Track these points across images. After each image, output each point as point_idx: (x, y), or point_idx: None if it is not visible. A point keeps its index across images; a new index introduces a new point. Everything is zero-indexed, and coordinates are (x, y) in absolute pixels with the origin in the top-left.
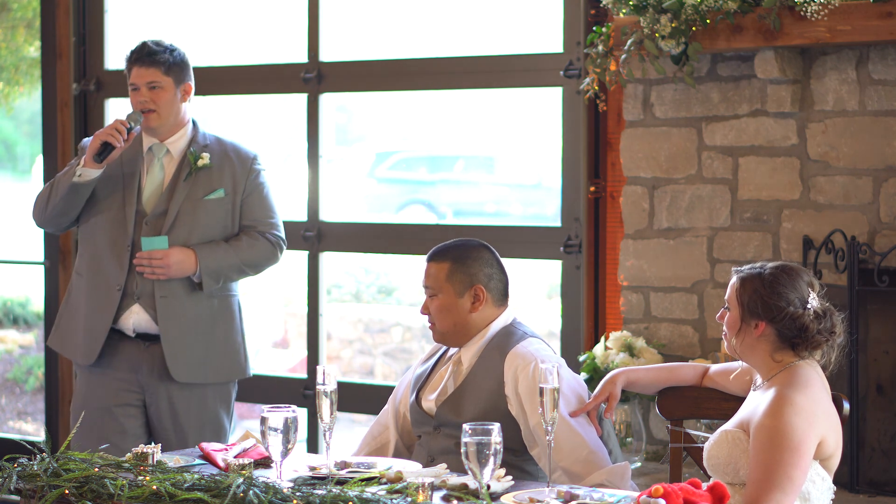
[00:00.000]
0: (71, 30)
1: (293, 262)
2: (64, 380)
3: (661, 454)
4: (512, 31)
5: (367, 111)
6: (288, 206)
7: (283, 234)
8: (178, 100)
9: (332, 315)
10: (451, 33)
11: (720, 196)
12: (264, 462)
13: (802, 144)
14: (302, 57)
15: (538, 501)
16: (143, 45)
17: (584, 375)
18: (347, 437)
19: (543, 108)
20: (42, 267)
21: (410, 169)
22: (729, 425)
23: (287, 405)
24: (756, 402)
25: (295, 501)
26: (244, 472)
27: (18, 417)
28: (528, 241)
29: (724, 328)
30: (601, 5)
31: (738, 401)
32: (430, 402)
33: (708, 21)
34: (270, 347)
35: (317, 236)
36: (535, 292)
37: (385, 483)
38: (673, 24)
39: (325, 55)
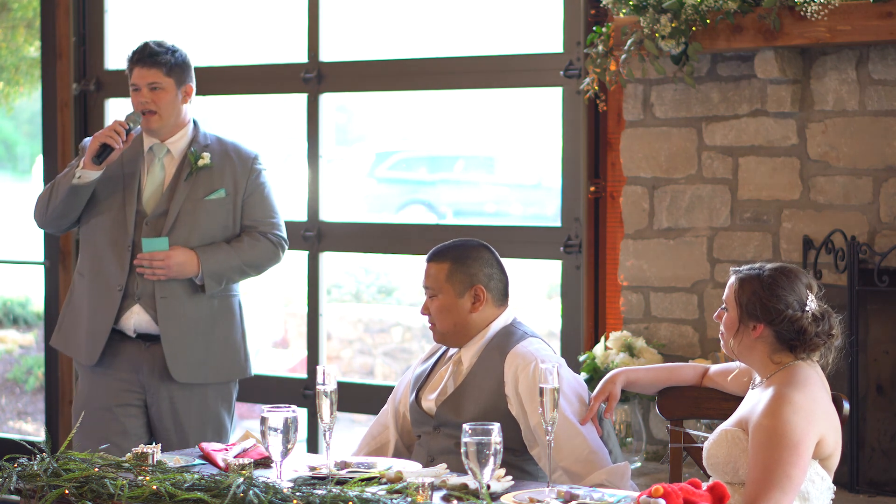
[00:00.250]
0: (71, 30)
1: (293, 262)
2: (64, 380)
3: (661, 454)
4: (512, 31)
5: (367, 111)
6: (288, 206)
7: (284, 234)
8: (179, 101)
9: (332, 315)
10: (451, 33)
11: (720, 196)
12: (264, 462)
13: (802, 144)
14: (302, 57)
15: (538, 501)
16: (145, 45)
17: (584, 375)
18: (347, 437)
19: (543, 108)
20: (42, 267)
21: (410, 169)
22: (727, 424)
23: (287, 405)
24: (755, 401)
25: (295, 501)
26: (244, 472)
27: (18, 417)
28: (528, 241)
29: (722, 328)
30: (601, 5)
31: (738, 401)
32: (430, 401)
33: (708, 21)
34: (270, 347)
35: (317, 236)
36: (535, 292)
37: (385, 483)
38: (673, 24)
39: (325, 55)
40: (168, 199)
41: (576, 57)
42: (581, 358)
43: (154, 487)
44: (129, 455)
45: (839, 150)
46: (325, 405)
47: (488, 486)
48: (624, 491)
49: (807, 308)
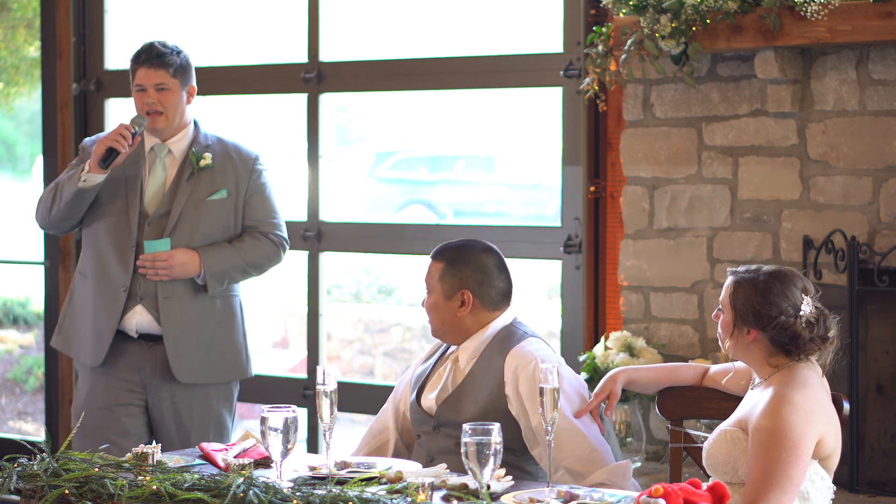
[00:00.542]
0: (71, 30)
1: (293, 262)
2: (64, 380)
3: (661, 454)
4: (512, 31)
5: (367, 111)
6: (288, 206)
7: (285, 235)
8: (183, 101)
9: (332, 315)
10: (451, 33)
11: (720, 196)
12: (264, 462)
13: (802, 144)
14: (302, 57)
15: (538, 501)
16: (152, 46)
17: (584, 375)
18: (347, 437)
19: (543, 108)
20: (42, 267)
21: (410, 169)
22: (727, 424)
23: (287, 405)
24: (754, 401)
25: (295, 501)
26: (244, 472)
27: (18, 417)
28: (528, 241)
29: (720, 329)
30: (601, 5)
31: (738, 401)
32: (429, 400)
33: (708, 21)
34: (270, 347)
35: (317, 236)
36: (535, 292)
37: (385, 483)
38: (673, 24)
39: (325, 55)
40: (170, 200)
41: (576, 57)
42: (581, 358)
43: (154, 487)
44: (129, 455)
45: (839, 150)
46: (325, 405)
47: (488, 486)
48: (624, 491)
49: (801, 313)
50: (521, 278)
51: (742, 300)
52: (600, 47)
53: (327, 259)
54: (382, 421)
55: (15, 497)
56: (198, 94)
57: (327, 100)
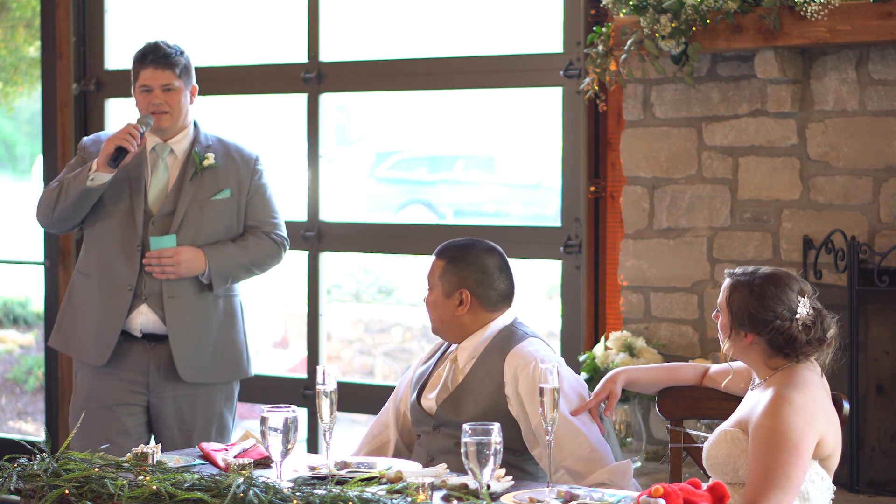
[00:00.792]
0: (71, 30)
1: (293, 262)
2: (64, 380)
3: (661, 454)
4: (512, 31)
5: (367, 111)
6: (288, 206)
7: (286, 234)
8: (187, 101)
9: (332, 315)
10: (451, 33)
11: (720, 196)
12: (264, 462)
13: (802, 144)
14: (302, 57)
15: (538, 501)
16: (157, 46)
17: (584, 375)
18: (347, 437)
19: (543, 108)
20: (42, 267)
21: (410, 169)
22: (727, 424)
23: (287, 405)
24: (754, 401)
25: (295, 501)
26: (244, 472)
27: (18, 417)
28: (528, 241)
29: (719, 330)
30: (601, 5)
31: (738, 401)
32: (429, 400)
33: (708, 21)
34: (270, 347)
35: (317, 236)
36: (535, 292)
37: (385, 483)
38: (673, 24)
39: (325, 55)
40: (174, 200)
41: (576, 57)
42: (581, 358)
43: (154, 487)
44: (129, 455)
45: (839, 150)
46: (325, 405)
47: (488, 486)
48: (624, 491)
49: (797, 316)
50: (521, 278)
51: (738, 304)
52: (600, 47)
53: (327, 259)
54: (383, 421)
55: (15, 497)
56: (199, 93)
57: (327, 100)
